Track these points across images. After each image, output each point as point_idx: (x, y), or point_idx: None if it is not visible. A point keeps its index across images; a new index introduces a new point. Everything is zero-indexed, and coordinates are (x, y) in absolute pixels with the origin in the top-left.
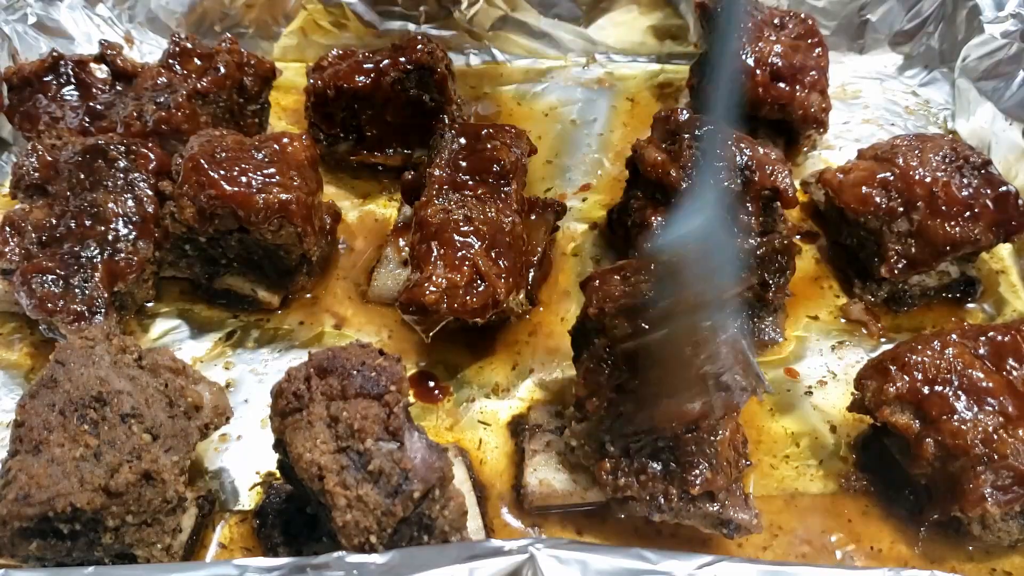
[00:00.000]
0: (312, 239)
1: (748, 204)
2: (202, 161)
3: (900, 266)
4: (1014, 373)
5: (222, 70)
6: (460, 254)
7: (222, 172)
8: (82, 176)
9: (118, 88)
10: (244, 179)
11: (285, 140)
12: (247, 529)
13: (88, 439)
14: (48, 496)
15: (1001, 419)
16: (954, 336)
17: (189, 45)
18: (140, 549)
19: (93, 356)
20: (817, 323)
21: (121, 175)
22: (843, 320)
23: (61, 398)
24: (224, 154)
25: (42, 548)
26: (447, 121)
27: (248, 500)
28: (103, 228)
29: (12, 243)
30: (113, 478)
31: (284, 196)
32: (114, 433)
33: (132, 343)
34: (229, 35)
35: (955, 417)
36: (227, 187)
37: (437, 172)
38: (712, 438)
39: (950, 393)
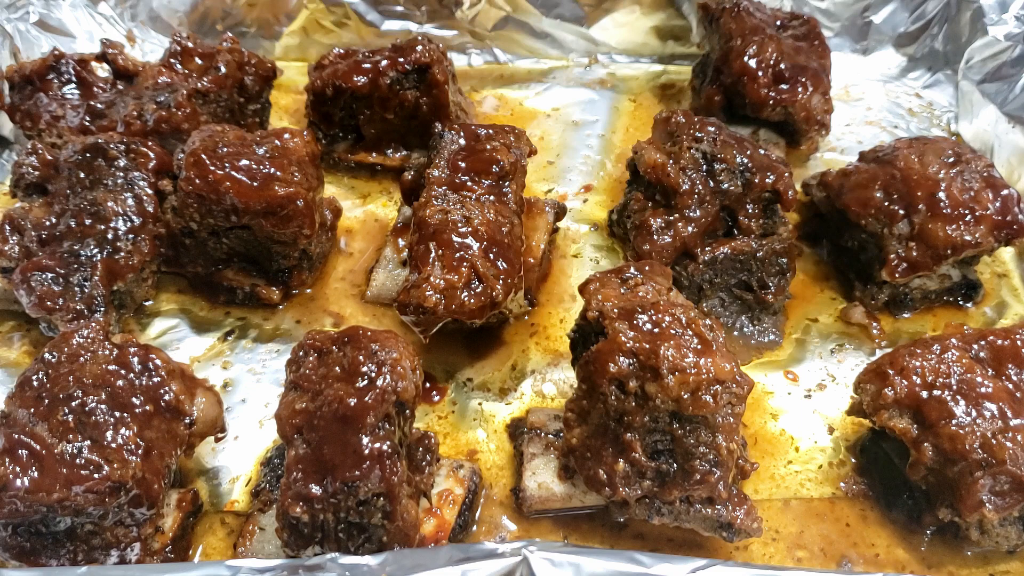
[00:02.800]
0: (312, 234)
1: (748, 206)
2: (204, 155)
3: (901, 269)
4: (1014, 378)
5: (223, 69)
6: (458, 255)
7: (224, 166)
8: (82, 175)
9: (119, 87)
10: (245, 173)
11: (287, 135)
12: (242, 529)
13: (69, 437)
14: (25, 492)
15: (1000, 424)
16: (954, 340)
17: (190, 44)
18: (117, 548)
19: (82, 353)
20: (817, 326)
21: (121, 174)
22: (843, 323)
23: (46, 394)
24: (226, 149)
25: (14, 540)
26: (446, 122)
27: (243, 499)
28: (103, 227)
29: (12, 241)
30: (92, 477)
31: (285, 191)
32: (95, 432)
33: (130, 341)
34: (230, 34)
35: (953, 422)
36: (228, 181)
37: (436, 173)
38: (713, 441)
39: (949, 398)
